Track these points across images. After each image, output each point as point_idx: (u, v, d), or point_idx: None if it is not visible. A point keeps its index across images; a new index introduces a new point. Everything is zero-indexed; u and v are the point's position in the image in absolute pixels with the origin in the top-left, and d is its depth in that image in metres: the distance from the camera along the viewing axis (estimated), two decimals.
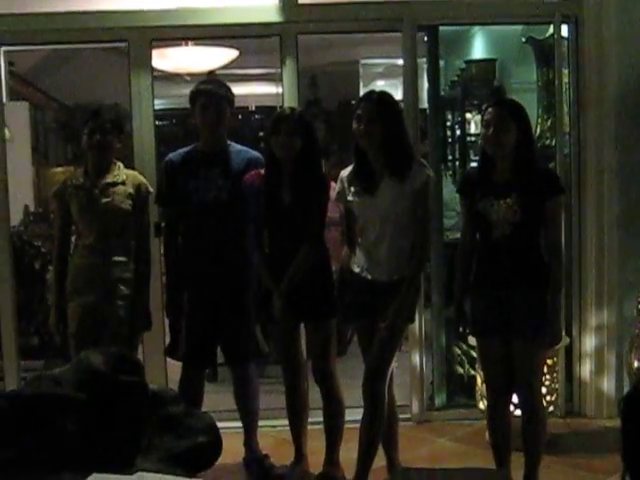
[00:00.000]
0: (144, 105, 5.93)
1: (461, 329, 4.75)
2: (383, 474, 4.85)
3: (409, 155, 4.59)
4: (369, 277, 4.61)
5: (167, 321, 5.16)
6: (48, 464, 2.34)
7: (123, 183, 5.00)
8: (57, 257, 5.14)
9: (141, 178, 5.13)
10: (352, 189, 4.62)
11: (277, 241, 4.81)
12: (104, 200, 4.95)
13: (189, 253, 5.01)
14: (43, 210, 9.29)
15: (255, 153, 5.11)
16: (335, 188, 4.77)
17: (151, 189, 5.13)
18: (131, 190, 5.00)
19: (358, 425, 4.73)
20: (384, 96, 4.64)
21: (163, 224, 5.18)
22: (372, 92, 4.67)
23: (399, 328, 4.63)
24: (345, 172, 4.73)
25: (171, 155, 5.14)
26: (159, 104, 6.85)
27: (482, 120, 4.50)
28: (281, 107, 5.53)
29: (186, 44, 8.41)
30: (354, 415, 5.05)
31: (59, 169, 10.24)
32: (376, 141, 4.48)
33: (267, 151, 4.78)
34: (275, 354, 5.24)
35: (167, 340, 5.22)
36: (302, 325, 4.98)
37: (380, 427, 4.67)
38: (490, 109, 4.45)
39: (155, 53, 6.36)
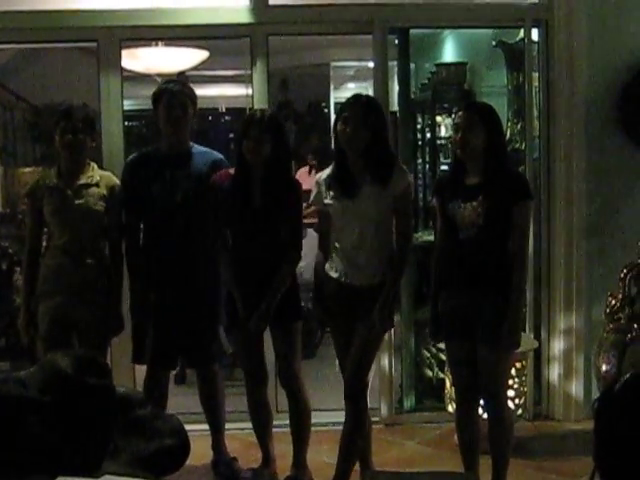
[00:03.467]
0: (113, 106, 5.90)
1: (435, 329, 4.74)
2: (354, 477, 4.84)
3: (392, 160, 4.58)
4: (348, 282, 4.59)
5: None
6: (12, 467, 2.31)
7: (97, 185, 4.93)
8: (28, 258, 5.05)
9: (115, 179, 5.06)
10: (331, 193, 4.58)
11: (243, 243, 4.77)
12: (77, 202, 4.88)
13: (154, 255, 4.98)
14: (11, 211, 9.21)
15: (218, 155, 5.11)
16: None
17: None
18: (104, 192, 4.93)
19: (325, 428, 4.73)
20: (372, 100, 4.65)
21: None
22: (359, 95, 4.63)
23: (381, 333, 4.63)
24: (322, 175, 4.70)
25: (132, 157, 5.15)
26: (129, 105, 6.82)
27: (453, 123, 4.51)
28: (251, 108, 5.51)
29: (156, 45, 8.37)
30: (321, 418, 5.05)
31: (27, 169, 10.15)
32: (361, 145, 4.45)
33: (238, 153, 4.75)
34: (238, 358, 5.22)
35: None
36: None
37: (362, 434, 4.69)
38: (460, 112, 4.47)
39: (125, 53, 6.33)
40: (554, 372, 6.11)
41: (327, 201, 4.60)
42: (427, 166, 7.97)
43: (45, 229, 5.03)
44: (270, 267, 4.72)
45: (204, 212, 4.85)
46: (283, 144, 4.74)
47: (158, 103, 4.95)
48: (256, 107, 5.64)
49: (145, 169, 4.98)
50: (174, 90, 4.94)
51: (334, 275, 4.63)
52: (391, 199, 4.51)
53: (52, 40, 6.23)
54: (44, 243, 5.08)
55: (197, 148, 5.08)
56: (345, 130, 4.45)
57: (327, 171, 4.70)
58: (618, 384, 1.85)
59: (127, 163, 5.15)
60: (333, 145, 4.69)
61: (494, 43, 6.92)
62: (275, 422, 5.16)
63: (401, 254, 4.61)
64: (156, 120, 5.06)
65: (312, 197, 4.71)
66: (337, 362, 4.78)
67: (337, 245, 4.61)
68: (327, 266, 4.68)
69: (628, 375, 1.86)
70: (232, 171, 4.80)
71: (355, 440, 4.66)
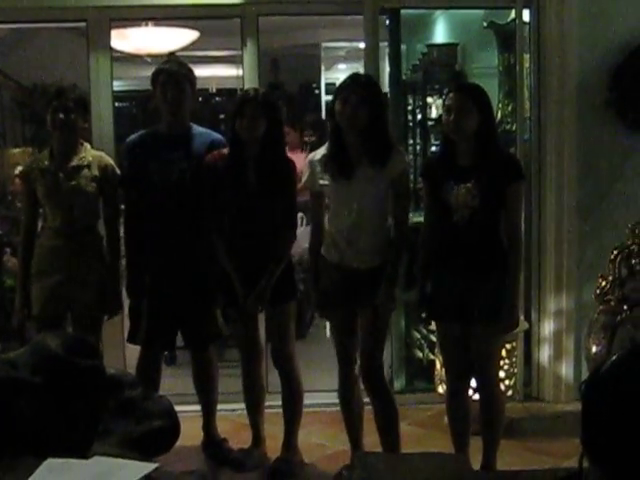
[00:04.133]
0: (103, 86, 5.87)
1: (423, 314, 4.75)
2: (344, 458, 4.85)
3: (389, 142, 4.55)
4: (347, 264, 4.55)
5: (127, 305, 5.13)
6: (3, 447, 2.31)
7: (89, 166, 4.93)
8: (23, 239, 5.06)
9: (107, 159, 5.05)
10: (326, 173, 4.54)
11: (239, 222, 4.75)
12: (70, 184, 4.88)
13: (150, 235, 4.96)
14: (0, 191, 9.18)
15: (217, 135, 5.08)
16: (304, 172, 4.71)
17: (118, 170, 5.05)
18: (96, 172, 4.92)
19: (317, 409, 4.71)
20: (370, 80, 4.62)
21: (123, 206, 5.12)
22: (357, 75, 4.60)
23: (389, 311, 4.62)
24: (316, 156, 4.65)
25: (132, 137, 5.11)
26: (118, 85, 6.78)
27: (444, 105, 4.49)
28: (242, 89, 5.48)
29: (146, 25, 8.32)
30: (313, 399, 5.04)
31: (17, 150, 10.13)
32: (360, 125, 4.40)
33: (231, 133, 4.73)
34: (233, 337, 5.23)
35: (126, 325, 5.18)
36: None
37: (394, 409, 4.70)
38: (451, 94, 4.44)
39: (114, 33, 6.29)
40: (544, 353, 6.13)
41: (322, 182, 4.57)
42: (418, 147, 7.96)
43: (40, 210, 5.03)
44: (266, 245, 4.71)
45: (201, 192, 4.83)
46: (277, 122, 4.72)
47: (156, 83, 4.94)
48: (250, 86, 5.62)
49: (144, 150, 4.96)
50: (171, 70, 4.92)
51: (331, 258, 4.61)
52: (388, 181, 4.48)
53: (41, 20, 6.19)
54: (40, 224, 5.08)
55: (197, 129, 5.06)
56: (344, 110, 4.39)
57: (321, 151, 4.64)
58: (605, 365, 1.84)
59: (126, 144, 5.12)
60: (329, 125, 4.66)
61: (485, 24, 6.89)
62: (266, 403, 5.16)
63: (400, 235, 4.57)
64: (155, 101, 5.04)
65: (305, 178, 4.67)
66: (332, 343, 4.78)
67: (333, 227, 4.59)
68: (323, 249, 4.65)
69: (615, 356, 1.85)
70: (226, 151, 4.78)
71: (392, 423, 4.69)
